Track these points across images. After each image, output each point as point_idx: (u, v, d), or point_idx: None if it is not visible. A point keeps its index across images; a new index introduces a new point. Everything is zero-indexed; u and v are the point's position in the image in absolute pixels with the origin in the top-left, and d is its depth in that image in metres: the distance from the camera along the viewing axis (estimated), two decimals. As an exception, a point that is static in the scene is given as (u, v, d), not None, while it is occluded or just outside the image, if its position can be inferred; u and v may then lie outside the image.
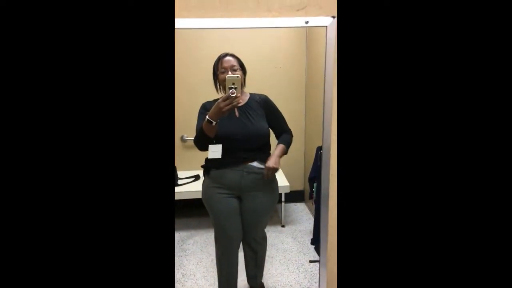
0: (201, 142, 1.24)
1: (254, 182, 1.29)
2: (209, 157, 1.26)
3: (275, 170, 1.27)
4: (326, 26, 1.00)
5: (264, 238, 1.47)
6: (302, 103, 2.69)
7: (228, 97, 1.08)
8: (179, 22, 0.96)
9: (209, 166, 1.30)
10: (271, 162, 1.26)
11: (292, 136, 1.41)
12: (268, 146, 1.34)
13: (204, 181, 1.36)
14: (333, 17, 0.98)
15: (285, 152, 1.35)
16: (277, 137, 1.39)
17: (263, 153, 1.31)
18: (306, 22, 0.99)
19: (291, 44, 2.56)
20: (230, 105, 1.08)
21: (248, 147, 1.26)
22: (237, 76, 1.10)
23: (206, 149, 1.25)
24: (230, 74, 1.14)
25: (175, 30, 0.95)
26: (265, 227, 1.45)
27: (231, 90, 1.08)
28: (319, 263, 1.14)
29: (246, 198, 1.32)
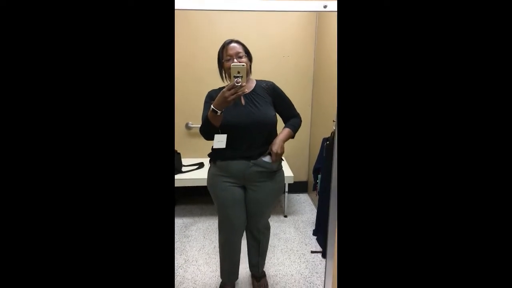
0: (207, 132, 1.22)
1: (259, 172, 1.28)
2: (214, 147, 1.25)
3: (280, 155, 1.26)
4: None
5: (267, 228, 1.48)
6: (309, 94, 2.65)
7: (233, 86, 1.04)
8: (193, 3, 0.91)
9: (215, 155, 1.30)
10: (275, 148, 1.25)
11: (300, 120, 1.39)
12: (274, 134, 1.33)
13: (209, 169, 1.36)
14: None
15: (291, 136, 1.33)
16: (285, 122, 1.37)
17: (269, 142, 1.30)
18: (325, 6, 0.94)
19: (301, 33, 2.51)
20: (235, 95, 1.05)
21: (255, 135, 1.24)
22: (243, 65, 1.07)
23: (212, 138, 1.24)
24: (235, 62, 1.10)
25: (187, 11, 0.92)
26: (268, 217, 1.46)
27: (236, 79, 1.04)
28: (326, 255, 1.13)
29: (251, 188, 1.32)
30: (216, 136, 1.22)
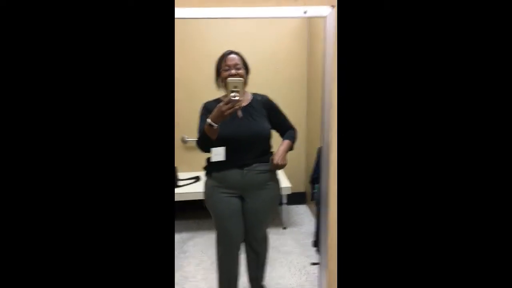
0: (204, 145, 1.24)
1: (256, 182, 1.28)
2: (212, 160, 1.25)
3: (282, 166, 1.27)
4: (325, 16, 0.98)
5: (265, 239, 1.46)
6: (303, 104, 2.67)
7: (230, 101, 1.06)
8: (176, 12, 0.94)
9: (211, 167, 1.29)
10: (277, 158, 1.26)
11: (296, 132, 1.41)
12: (269, 146, 1.34)
13: (206, 181, 1.35)
14: (333, 6, 0.96)
15: (291, 147, 1.36)
16: (282, 135, 1.39)
17: (265, 153, 1.31)
18: (305, 12, 0.96)
19: (292, 44, 2.54)
20: (232, 109, 1.07)
21: (251, 148, 1.26)
22: (240, 79, 1.08)
23: (209, 151, 1.25)
24: (232, 79, 1.12)
25: (178, 23, 0.94)
26: (267, 228, 1.44)
27: (232, 94, 1.06)
28: (320, 265, 1.11)
29: (248, 197, 1.31)
30: (214, 150, 1.23)
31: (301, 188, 2.81)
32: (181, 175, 2.41)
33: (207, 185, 1.34)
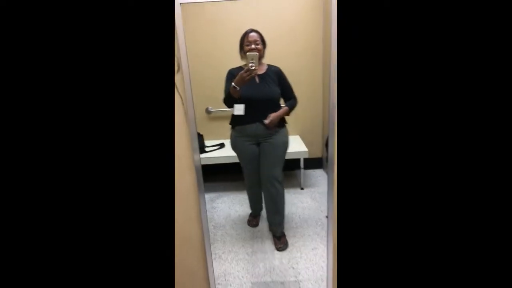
0: (228, 102, 1.66)
1: (267, 132, 1.71)
2: (234, 114, 1.65)
3: (271, 122, 1.66)
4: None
5: (280, 183, 1.82)
6: (319, 72, 2.77)
7: (248, 69, 1.44)
8: None
9: (235, 121, 1.73)
10: (270, 118, 1.67)
11: (296, 101, 1.81)
12: (278, 106, 1.74)
13: (231, 133, 1.80)
14: None
15: (287, 113, 1.76)
16: (285, 101, 1.80)
17: (275, 111, 1.71)
18: None
19: (309, 16, 2.60)
20: (250, 76, 1.47)
21: (264, 106, 1.68)
22: (256, 53, 1.46)
23: (233, 107, 1.66)
24: (250, 53, 1.48)
25: (183, 4, 1.06)
26: (279, 172, 1.80)
27: (250, 64, 1.43)
28: (327, 217, 1.34)
29: (263, 144, 1.75)
30: (236, 106, 1.64)
31: (318, 154, 2.98)
32: (207, 142, 2.65)
33: (231, 135, 1.79)
